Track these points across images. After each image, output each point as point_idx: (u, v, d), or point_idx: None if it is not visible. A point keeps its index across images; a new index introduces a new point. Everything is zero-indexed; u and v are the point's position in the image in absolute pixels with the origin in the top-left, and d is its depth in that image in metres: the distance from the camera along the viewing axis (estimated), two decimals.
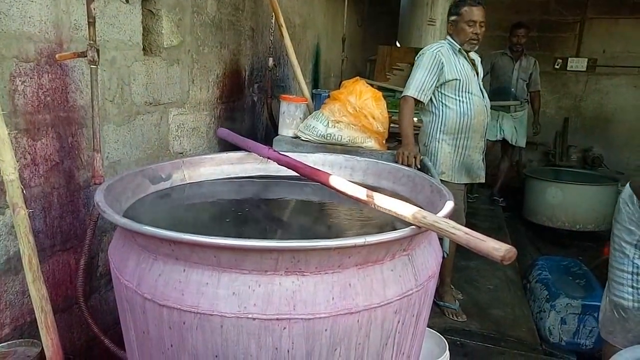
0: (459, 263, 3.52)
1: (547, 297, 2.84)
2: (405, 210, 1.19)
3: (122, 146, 1.89)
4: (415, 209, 1.18)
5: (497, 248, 0.98)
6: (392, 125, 2.88)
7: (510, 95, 4.99)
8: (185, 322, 1.03)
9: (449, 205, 1.33)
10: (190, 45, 2.30)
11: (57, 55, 1.48)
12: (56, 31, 1.52)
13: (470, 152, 2.69)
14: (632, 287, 1.81)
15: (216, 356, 1.04)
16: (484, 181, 2.79)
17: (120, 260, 1.16)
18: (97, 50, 1.50)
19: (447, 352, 2.07)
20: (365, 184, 1.81)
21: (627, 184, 1.92)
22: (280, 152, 1.82)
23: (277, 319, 1.01)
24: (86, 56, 1.49)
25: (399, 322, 1.18)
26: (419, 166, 2.57)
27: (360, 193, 1.35)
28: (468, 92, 2.63)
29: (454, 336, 2.52)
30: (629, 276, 1.82)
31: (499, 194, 5.35)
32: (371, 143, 2.67)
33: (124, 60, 1.84)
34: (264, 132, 3.40)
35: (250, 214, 1.64)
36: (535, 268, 3.19)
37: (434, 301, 2.87)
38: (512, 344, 2.51)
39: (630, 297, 1.82)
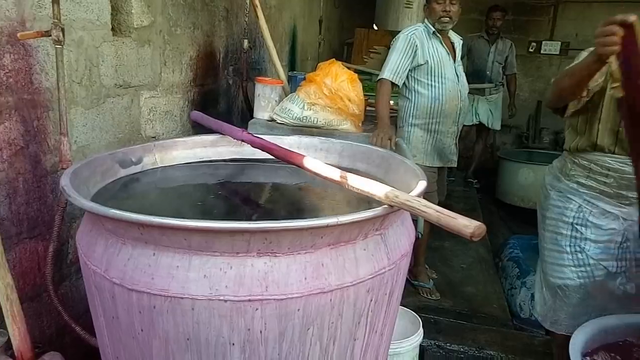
0: (433, 243, 3.59)
1: (518, 274, 2.93)
2: (377, 189, 1.20)
3: (91, 130, 1.84)
4: (388, 188, 1.19)
5: (467, 225, 0.99)
6: (368, 108, 2.88)
7: (485, 78, 5.05)
8: (156, 306, 1.02)
9: (422, 185, 1.35)
10: (162, 26, 2.24)
11: (18, 34, 1.42)
12: (18, 9, 1.45)
13: (442, 137, 2.72)
14: (575, 265, 1.86)
15: (187, 339, 1.04)
16: (455, 165, 2.83)
17: (88, 245, 1.14)
18: (62, 30, 1.44)
19: (421, 329, 2.12)
20: (340, 165, 1.80)
21: (552, 163, 1.98)
22: (255, 135, 1.80)
23: (250, 300, 1.01)
24: (50, 35, 1.44)
25: (371, 300, 1.19)
26: (393, 148, 2.59)
27: (334, 174, 1.35)
28: (441, 77, 2.64)
29: (428, 314, 2.57)
30: (569, 256, 1.86)
31: (473, 175, 5.44)
32: (347, 125, 2.67)
33: (91, 40, 1.78)
34: (240, 116, 3.35)
35: (223, 197, 1.63)
36: (507, 247, 3.28)
37: (408, 280, 2.96)
38: (484, 320, 2.59)
39: (575, 276, 1.86)
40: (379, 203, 1.19)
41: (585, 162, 1.82)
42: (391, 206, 1.16)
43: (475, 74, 4.98)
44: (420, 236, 2.70)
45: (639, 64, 1.34)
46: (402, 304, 2.72)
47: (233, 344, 1.03)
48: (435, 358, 2.23)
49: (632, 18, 1.31)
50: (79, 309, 1.81)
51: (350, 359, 1.20)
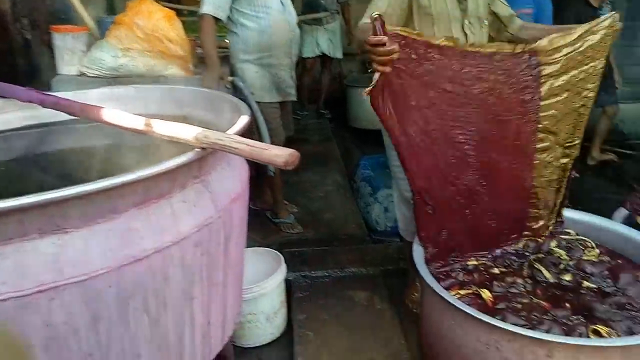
0: (291, 178, 3.61)
1: (371, 192, 3.10)
2: (185, 132, 1.06)
3: None
4: (198, 129, 1.06)
5: (278, 155, 0.92)
6: (199, 49, 2.65)
7: (320, 7, 5.01)
8: None
9: (242, 121, 1.24)
10: None
11: None
12: None
13: (277, 71, 2.63)
14: None
15: None
16: (295, 98, 2.78)
17: None
18: None
19: (283, 266, 2.13)
20: (163, 114, 1.61)
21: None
22: (45, 93, 1.50)
23: (40, 292, 0.83)
24: None
25: (202, 254, 1.09)
26: (228, 87, 2.43)
27: (138, 123, 1.17)
28: (264, 7, 2.49)
29: (292, 248, 2.61)
30: None
31: (324, 106, 5.55)
32: (173, 70, 2.42)
33: None
34: (48, 75, 2.84)
35: (13, 175, 1.34)
36: (359, 168, 3.44)
37: (269, 219, 2.96)
38: (344, 241, 2.71)
39: None
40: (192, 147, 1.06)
41: None
42: (203, 149, 1.04)
43: (309, 4, 4.92)
44: (272, 174, 2.67)
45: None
46: (265, 244, 2.73)
47: (33, 346, 0.86)
48: (302, 288, 2.28)
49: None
50: None
51: (191, 319, 1.10)
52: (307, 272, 2.38)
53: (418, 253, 1.69)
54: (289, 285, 2.34)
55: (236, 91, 2.50)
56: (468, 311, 1.40)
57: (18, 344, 0.60)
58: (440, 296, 1.47)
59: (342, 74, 6.51)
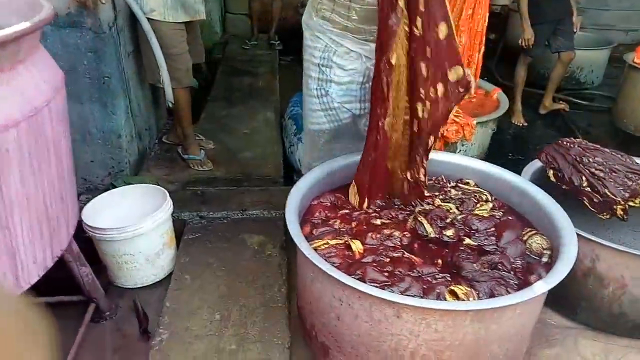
0: (218, 112, 3.36)
1: (296, 131, 2.89)
2: None
3: None
4: None
5: None
6: None
7: None
8: None
9: None
10: None
11: None
12: None
13: None
14: (323, 110, 1.80)
15: None
16: (204, 17, 2.46)
17: None
18: None
19: (167, 204, 1.95)
20: None
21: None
22: None
23: None
24: None
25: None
26: (103, 3, 2.09)
27: None
28: None
29: (196, 186, 2.43)
30: (317, 100, 1.79)
31: (276, 37, 5.16)
32: None
33: None
34: None
35: None
36: (290, 105, 3.20)
37: (179, 155, 2.74)
38: (255, 182, 2.54)
39: (325, 120, 1.82)
40: None
41: None
42: None
43: None
44: (169, 104, 2.42)
45: None
46: (170, 180, 2.54)
47: None
48: (194, 229, 2.12)
49: None
50: None
51: None
52: (205, 212, 2.22)
53: (292, 200, 1.53)
54: (183, 223, 2.18)
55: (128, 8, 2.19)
56: (320, 265, 1.26)
57: (31, 319, 0.51)
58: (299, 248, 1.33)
59: (304, 2, 6.06)
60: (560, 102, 4.08)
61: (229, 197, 2.34)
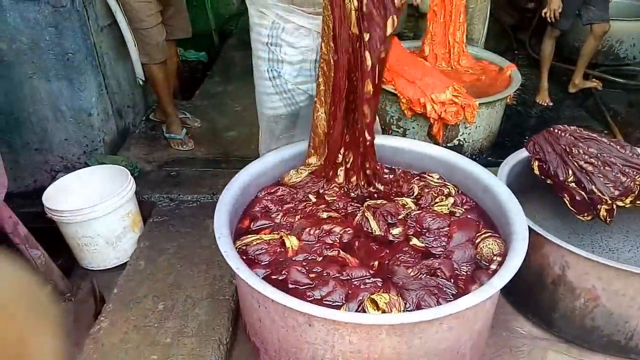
0: (213, 88, 3.28)
1: None
2: None
3: None
4: None
5: None
6: None
7: None
8: None
9: None
10: None
11: None
12: None
13: None
14: (277, 93, 1.67)
15: None
16: None
17: None
18: None
19: (129, 187, 1.90)
20: None
21: None
22: None
23: None
24: None
25: None
26: None
27: None
28: None
29: (174, 167, 2.37)
30: (269, 83, 1.66)
31: None
32: None
33: None
34: None
35: None
36: None
37: (163, 135, 2.67)
38: (234, 163, 2.44)
39: (281, 104, 1.70)
40: None
41: None
42: None
43: None
44: (140, 82, 2.34)
45: None
46: (148, 160, 2.47)
47: None
48: (161, 212, 2.07)
49: None
50: None
51: None
52: (176, 195, 2.17)
53: (228, 194, 1.43)
54: (152, 204, 2.14)
55: None
56: (232, 265, 1.16)
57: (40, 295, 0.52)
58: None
59: None
60: (593, 79, 3.66)
61: (203, 179, 2.27)
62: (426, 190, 1.52)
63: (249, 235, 1.37)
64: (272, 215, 1.47)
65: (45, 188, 1.91)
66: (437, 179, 1.57)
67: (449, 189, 1.53)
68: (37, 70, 2.03)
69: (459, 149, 2.53)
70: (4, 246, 1.63)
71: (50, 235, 1.88)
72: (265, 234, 1.39)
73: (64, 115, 2.17)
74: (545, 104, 3.45)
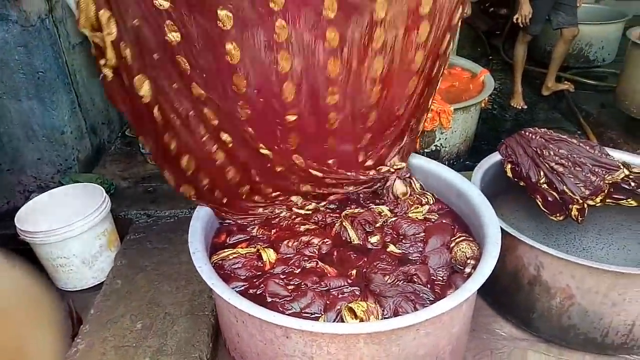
0: None
1: None
2: None
3: None
4: None
5: None
6: None
7: None
8: None
9: None
10: None
11: None
12: None
13: None
14: None
15: None
16: None
17: None
18: None
19: (104, 205, 1.86)
20: None
21: None
22: None
23: None
24: None
25: None
26: None
27: None
28: None
29: (150, 183, 2.35)
30: None
31: None
32: None
33: None
34: None
35: None
36: None
37: (139, 151, 2.63)
38: None
39: None
40: None
41: None
42: None
43: None
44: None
45: None
46: (124, 176, 2.43)
47: None
48: (138, 229, 2.04)
49: None
50: None
51: None
52: (153, 211, 2.14)
53: (202, 208, 1.42)
54: (129, 221, 2.11)
55: None
56: (207, 281, 1.16)
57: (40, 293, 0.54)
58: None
59: None
60: (565, 82, 3.75)
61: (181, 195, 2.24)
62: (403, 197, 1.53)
63: (226, 250, 1.36)
64: (249, 229, 1.46)
65: (19, 209, 1.87)
66: (418, 188, 1.58)
67: (428, 196, 1.54)
68: (7, 90, 2.00)
69: (436, 154, 2.56)
70: (3, 250, 1.59)
71: (26, 258, 1.84)
72: (242, 247, 1.38)
73: (36, 134, 2.13)
74: (520, 107, 3.52)
